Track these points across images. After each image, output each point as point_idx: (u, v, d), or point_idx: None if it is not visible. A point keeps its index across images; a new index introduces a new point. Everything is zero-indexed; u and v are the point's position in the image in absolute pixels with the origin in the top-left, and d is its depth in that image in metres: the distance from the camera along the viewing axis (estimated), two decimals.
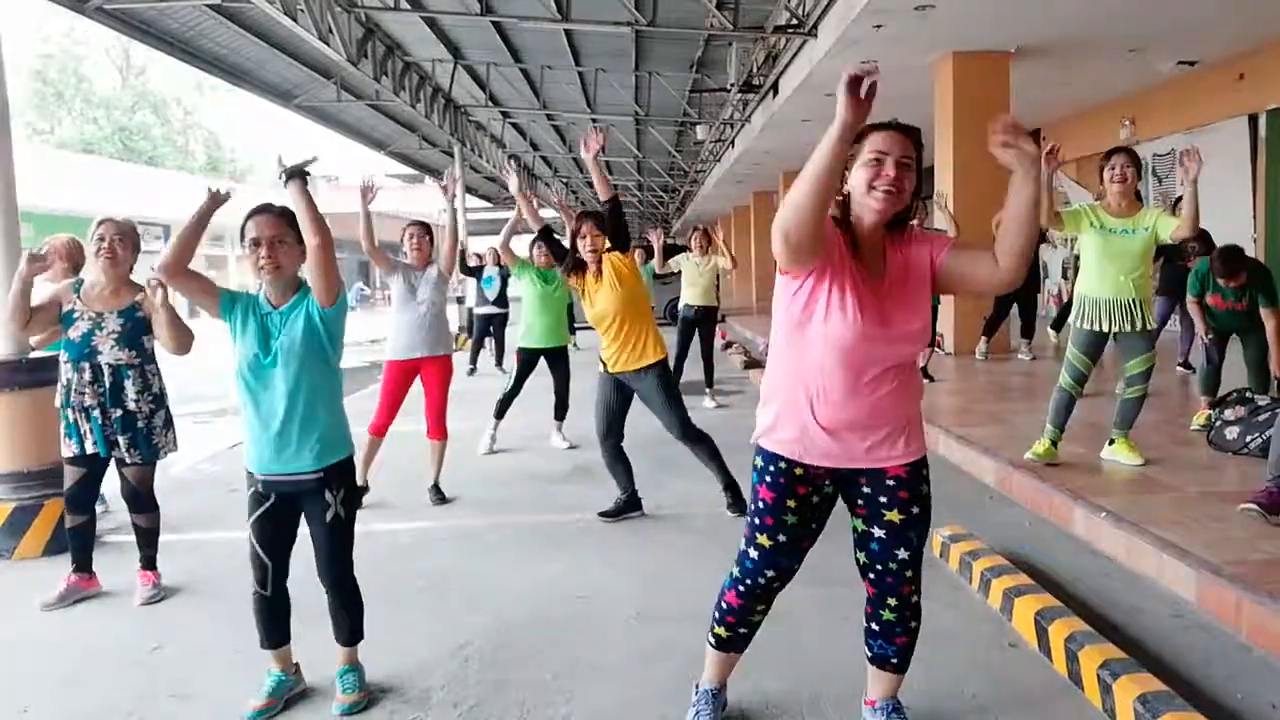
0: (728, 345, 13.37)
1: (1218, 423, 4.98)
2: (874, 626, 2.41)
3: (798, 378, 2.23)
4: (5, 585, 4.11)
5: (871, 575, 2.35)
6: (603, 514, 4.76)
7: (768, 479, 2.30)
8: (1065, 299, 11.25)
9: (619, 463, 4.77)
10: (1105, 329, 4.60)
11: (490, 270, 11.73)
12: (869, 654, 2.46)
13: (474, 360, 11.99)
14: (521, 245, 6.75)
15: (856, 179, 2.15)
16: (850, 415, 2.20)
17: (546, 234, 5.00)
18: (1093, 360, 4.71)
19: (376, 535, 4.60)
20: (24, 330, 3.83)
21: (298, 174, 2.71)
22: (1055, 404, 4.78)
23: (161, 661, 3.19)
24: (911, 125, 2.17)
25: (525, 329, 6.65)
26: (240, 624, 3.08)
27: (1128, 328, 4.57)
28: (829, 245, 2.12)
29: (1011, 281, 2.11)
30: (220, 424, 9.10)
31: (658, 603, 3.57)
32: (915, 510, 2.29)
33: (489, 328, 12.09)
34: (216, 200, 2.88)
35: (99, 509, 4.96)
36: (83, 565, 3.87)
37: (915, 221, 2.26)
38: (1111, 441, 4.81)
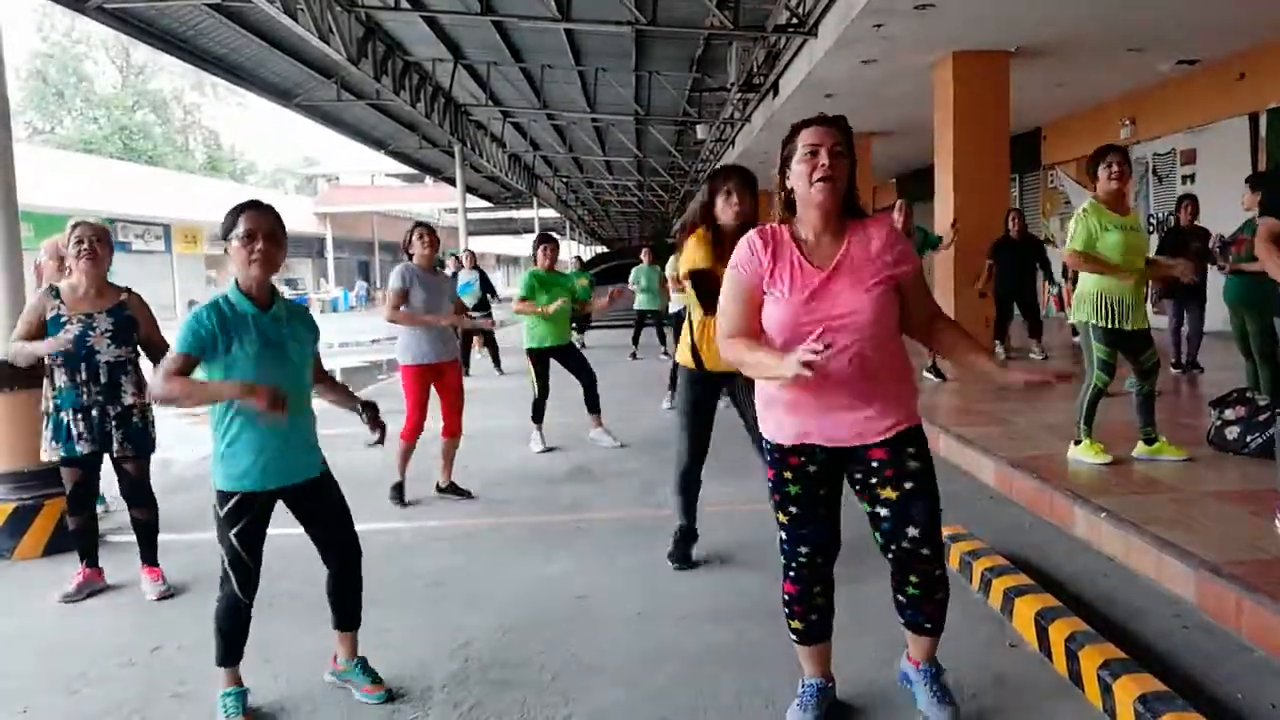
0: None
1: (1218, 423, 4.98)
2: (901, 599, 2.48)
3: None
4: (5, 585, 4.12)
5: (889, 555, 2.42)
6: (675, 559, 3.95)
7: (768, 459, 2.46)
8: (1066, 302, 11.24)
9: (696, 486, 4.00)
10: (1127, 326, 4.59)
11: (468, 276, 11.59)
12: (902, 620, 2.51)
13: (466, 362, 11.98)
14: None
15: (797, 173, 2.31)
16: (813, 394, 2.30)
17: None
18: (1118, 352, 4.69)
19: (377, 535, 4.59)
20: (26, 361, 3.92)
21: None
22: (1089, 403, 4.72)
23: (161, 661, 3.19)
24: (838, 115, 2.35)
25: (528, 330, 6.66)
26: None
27: (1138, 325, 4.59)
28: (759, 276, 2.33)
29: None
30: None
31: (658, 603, 3.57)
32: (909, 485, 2.34)
33: (470, 333, 12.02)
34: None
35: (100, 509, 4.97)
36: (92, 560, 3.92)
37: (898, 216, 2.34)
38: (1151, 441, 4.77)
